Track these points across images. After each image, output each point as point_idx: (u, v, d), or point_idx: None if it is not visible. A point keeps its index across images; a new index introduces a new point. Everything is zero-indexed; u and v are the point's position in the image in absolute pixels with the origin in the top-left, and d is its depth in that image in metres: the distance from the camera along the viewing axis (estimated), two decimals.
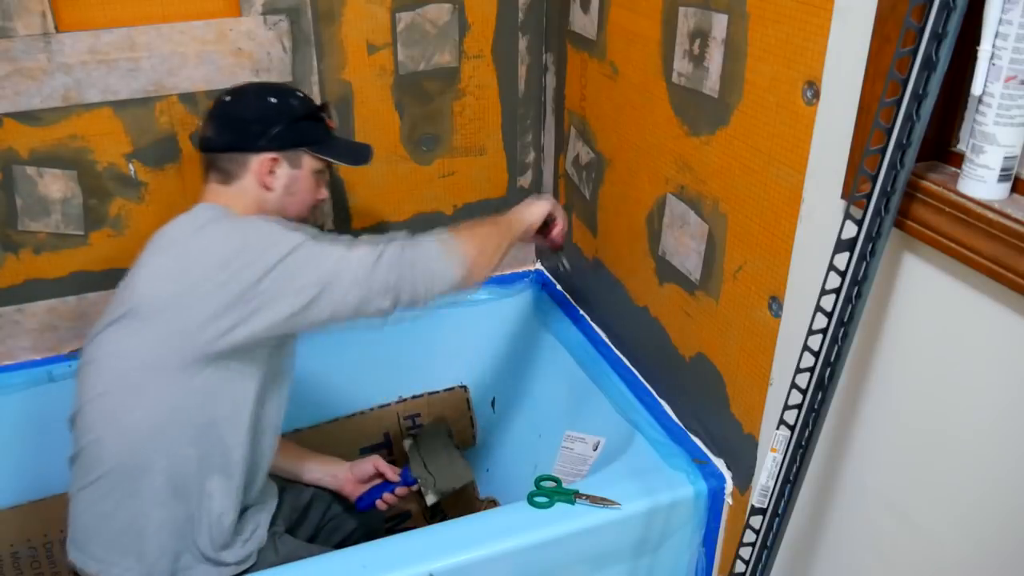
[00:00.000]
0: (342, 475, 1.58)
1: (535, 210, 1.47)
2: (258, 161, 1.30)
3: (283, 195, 1.34)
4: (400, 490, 1.56)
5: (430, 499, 1.57)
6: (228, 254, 1.19)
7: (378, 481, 1.58)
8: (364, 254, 1.22)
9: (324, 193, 1.42)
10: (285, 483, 1.55)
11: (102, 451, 1.24)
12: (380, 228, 1.84)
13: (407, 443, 1.67)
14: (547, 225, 1.51)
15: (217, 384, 1.22)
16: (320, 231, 1.29)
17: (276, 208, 1.34)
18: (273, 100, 1.34)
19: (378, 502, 1.55)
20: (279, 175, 1.32)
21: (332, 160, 1.39)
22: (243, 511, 1.35)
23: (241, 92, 1.36)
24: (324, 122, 1.39)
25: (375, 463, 1.57)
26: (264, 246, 1.20)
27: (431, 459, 1.59)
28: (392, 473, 1.57)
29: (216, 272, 1.18)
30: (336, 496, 1.61)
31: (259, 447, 1.33)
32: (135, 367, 1.21)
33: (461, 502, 1.88)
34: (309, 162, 1.35)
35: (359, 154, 1.45)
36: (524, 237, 1.47)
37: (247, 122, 1.31)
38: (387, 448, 1.93)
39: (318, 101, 1.57)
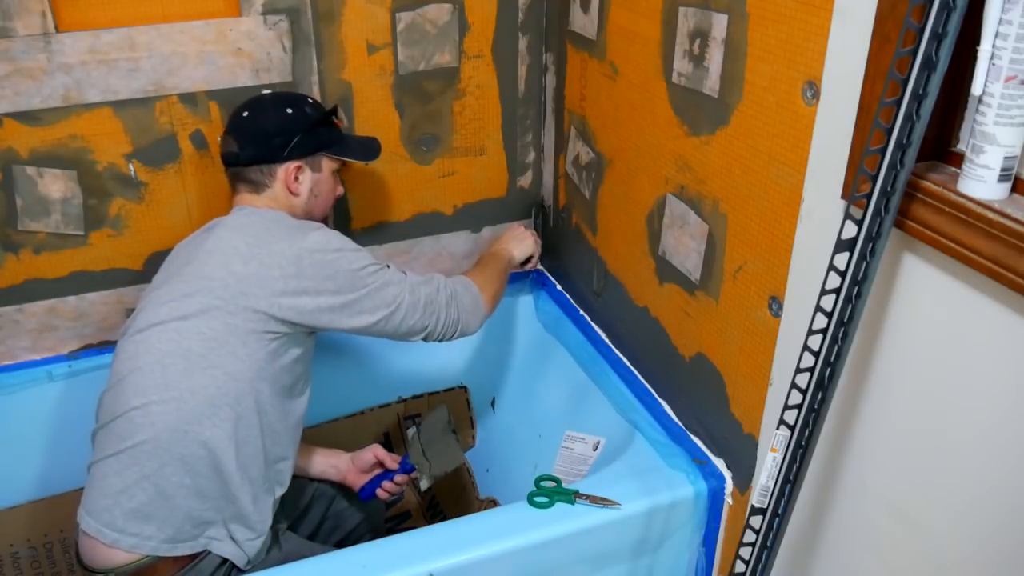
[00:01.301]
0: (344, 466, 1.61)
1: (523, 249, 1.74)
2: (284, 170, 1.41)
3: (309, 198, 1.45)
4: (399, 477, 1.58)
5: (423, 484, 1.59)
6: (304, 261, 1.30)
7: (379, 470, 1.60)
8: (429, 291, 1.40)
9: (341, 189, 1.54)
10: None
11: (154, 413, 1.25)
12: (380, 228, 1.84)
13: (410, 431, 1.68)
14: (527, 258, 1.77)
15: (272, 361, 1.30)
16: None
17: (304, 210, 1.46)
18: (290, 111, 1.43)
19: (378, 491, 1.57)
20: (304, 180, 1.44)
21: (349, 159, 1.51)
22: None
23: (258, 106, 1.45)
24: (335, 124, 1.49)
25: (375, 452, 1.60)
26: (352, 253, 1.34)
27: (429, 445, 1.61)
28: (391, 461, 1.59)
29: (292, 263, 1.29)
30: (338, 493, 1.61)
31: (294, 432, 1.39)
32: (200, 333, 1.27)
33: (461, 502, 1.88)
34: (328, 164, 1.48)
35: (370, 149, 1.55)
36: None
37: (269, 135, 1.40)
38: (387, 448, 1.93)
39: (323, 101, 1.62)
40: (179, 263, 1.37)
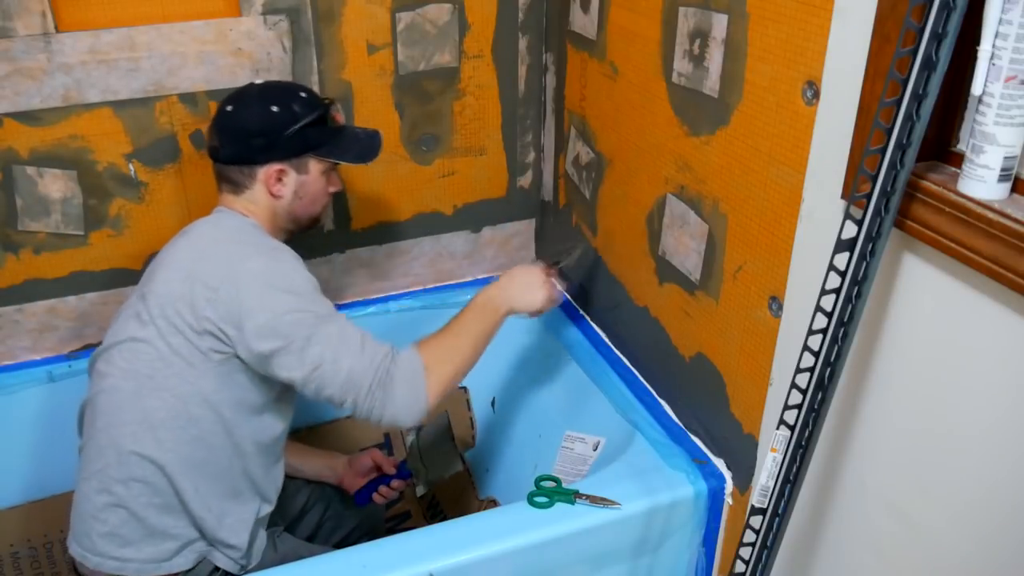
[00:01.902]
0: (341, 469, 1.60)
1: (530, 301, 1.40)
2: (264, 172, 1.32)
3: (292, 200, 1.36)
4: (396, 483, 1.57)
5: (419, 490, 1.59)
6: (252, 280, 1.22)
7: (376, 475, 1.59)
8: (356, 366, 1.22)
9: (338, 185, 1.43)
10: (284, 482, 1.55)
11: (114, 436, 1.25)
12: (380, 228, 1.84)
13: (409, 438, 1.68)
14: None
15: (226, 381, 1.25)
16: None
17: (287, 212, 1.37)
18: (275, 109, 1.32)
19: (375, 495, 1.56)
20: (287, 183, 1.34)
21: (338, 162, 1.40)
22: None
23: (243, 100, 1.35)
24: (329, 122, 1.38)
25: (373, 456, 1.59)
26: (286, 296, 1.23)
27: (427, 451, 1.60)
28: (389, 466, 1.58)
29: (224, 286, 1.22)
30: (335, 495, 1.61)
31: (273, 448, 1.35)
32: (149, 354, 1.24)
33: (461, 502, 1.88)
34: (316, 165, 1.37)
35: (367, 148, 1.44)
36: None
37: (250, 135, 1.32)
38: (387, 449, 1.93)
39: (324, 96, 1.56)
40: (149, 271, 1.33)
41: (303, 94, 1.37)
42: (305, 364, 1.22)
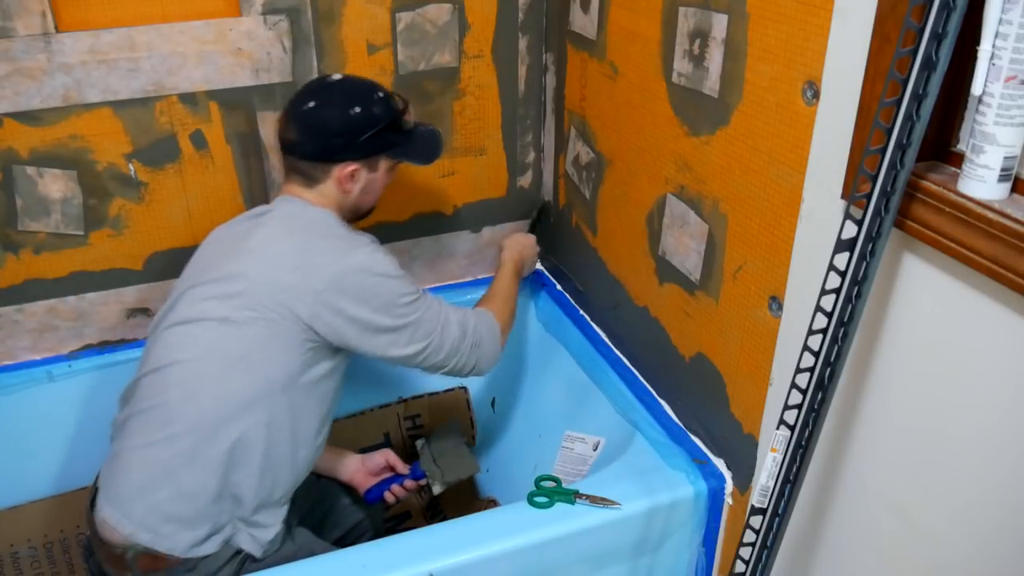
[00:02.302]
0: (353, 466, 1.61)
1: (531, 266, 1.78)
2: (340, 169, 1.38)
3: (359, 196, 1.42)
4: (409, 483, 1.58)
5: (436, 489, 1.60)
6: (356, 286, 1.29)
7: (388, 474, 1.60)
8: (457, 335, 1.39)
9: (393, 177, 1.49)
10: None
11: (190, 408, 1.26)
12: (380, 228, 1.84)
13: (419, 442, 1.69)
14: None
15: (307, 370, 1.31)
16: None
17: (352, 205, 1.43)
18: (357, 110, 1.37)
19: (387, 494, 1.57)
20: (358, 180, 1.40)
21: (408, 162, 1.49)
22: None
23: (326, 97, 1.39)
24: (403, 124, 1.43)
25: (386, 456, 1.60)
26: (394, 281, 1.33)
27: (440, 454, 1.62)
28: (402, 466, 1.59)
29: (341, 297, 1.28)
30: (340, 491, 1.61)
31: (321, 438, 1.40)
32: (242, 335, 1.27)
33: (461, 502, 1.88)
34: (385, 163, 1.44)
35: (433, 148, 1.51)
36: None
37: (331, 135, 1.36)
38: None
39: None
40: (220, 253, 1.36)
41: (380, 94, 1.41)
42: (419, 341, 1.35)
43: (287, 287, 1.27)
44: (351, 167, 1.37)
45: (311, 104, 1.38)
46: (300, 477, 1.38)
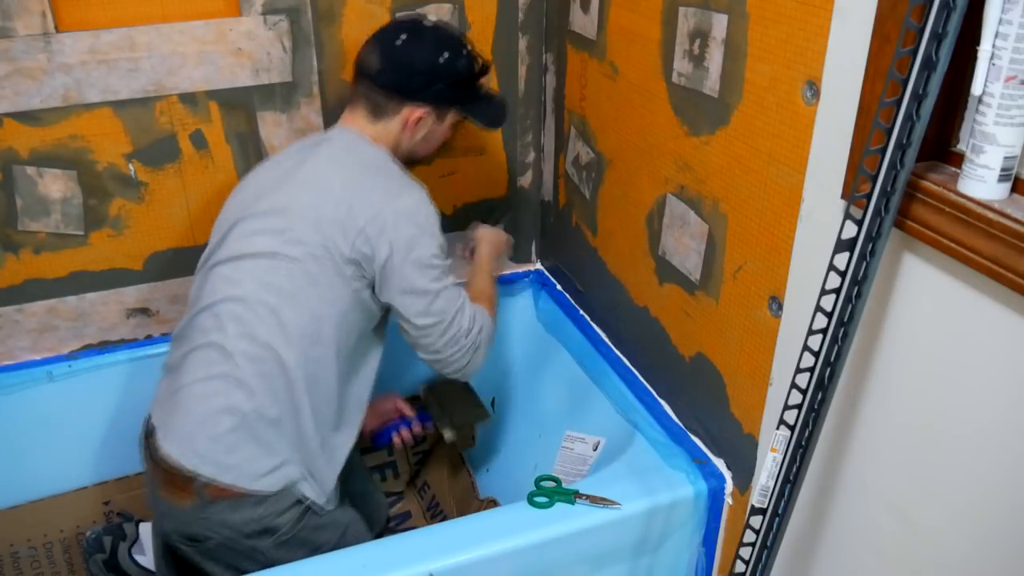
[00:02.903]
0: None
1: (502, 264, 1.74)
2: (411, 110, 1.37)
3: (420, 141, 1.42)
4: (416, 427, 1.59)
5: (447, 435, 1.60)
6: (402, 214, 1.28)
7: (396, 417, 1.61)
8: (463, 329, 1.35)
9: (451, 134, 1.50)
10: None
11: (240, 344, 1.27)
12: None
13: (422, 389, 1.68)
14: None
15: (355, 305, 1.32)
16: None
17: (409, 147, 1.43)
18: (446, 55, 1.36)
19: (395, 436, 1.58)
20: (423, 126, 1.40)
21: (475, 122, 1.49)
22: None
23: (418, 35, 1.38)
24: (479, 83, 1.44)
25: (395, 401, 1.61)
26: (431, 239, 1.31)
27: (447, 400, 1.63)
28: (410, 411, 1.61)
29: (382, 217, 1.28)
30: (347, 492, 1.61)
31: (369, 380, 1.41)
32: (289, 272, 1.27)
33: (461, 502, 1.88)
34: (452, 117, 1.44)
35: (499, 116, 1.51)
36: None
37: (415, 73, 1.36)
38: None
39: (328, 98, 1.64)
40: (270, 184, 1.35)
41: (469, 48, 1.42)
42: (430, 315, 1.32)
43: (332, 222, 1.27)
44: (421, 110, 1.37)
45: (403, 38, 1.37)
46: (355, 421, 1.38)
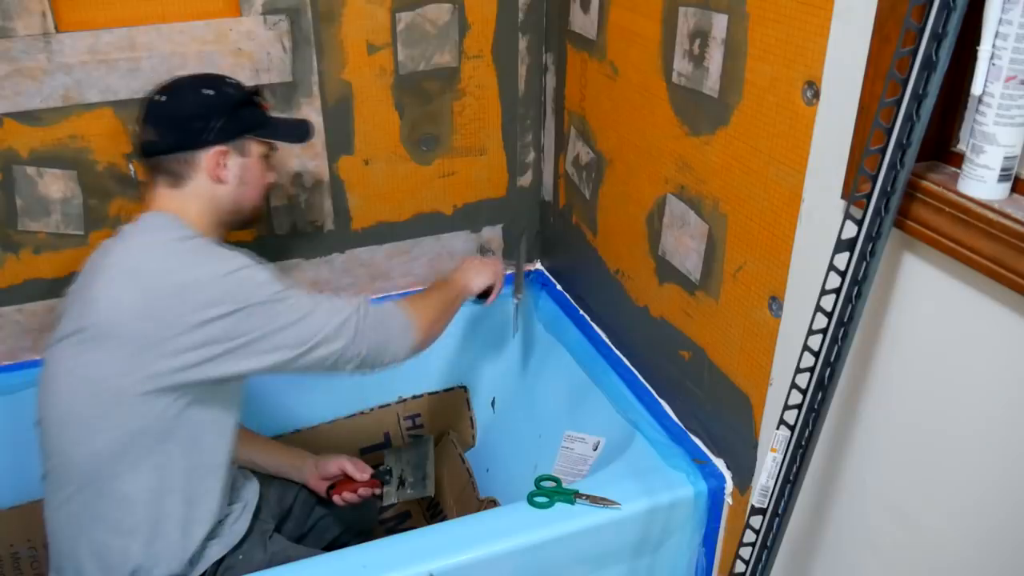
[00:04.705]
0: (308, 470, 1.57)
1: (479, 282, 1.59)
2: (207, 156, 1.29)
3: (237, 186, 1.33)
4: (363, 490, 1.54)
5: (386, 499, 1.60)
6: (205, 295, 1.18)
7: (342, 478, 1.57)
8: (343, 318, 1.26)
9: (273, 176, 1.42)
10: (271, 480, 1.55)
11: (70, 473, 1.24)
12: (380, 228, 1.84)
13: (390, 454, 1.68)
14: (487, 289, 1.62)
15: (181, 408, 1.22)
16: (263, 261, 1.28)
17: (232, 201, 1.33)
18: (209, 92, 1.31)
19: (335, 497, 1.54)
20: (230, 166, 1.31)
21: (277, 141, 1.40)
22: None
23: (175, 89, 1.33)
24: (260, 106, 1.38)
25: (340, 464, 1.55)
26: (244, 290, 1.20)
27: (406, 466, 1.63)
28: (357, 473, 1.55)
29: (192, 312, 1.17)
30: (317, 495, 1.60)
31: (225, 463, 1.32)
32: (94, 395, 1.19)
33: (461, 502, 1.88)
34: (255, 148, 1.35)
35: (300, 131, 1.44)
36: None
37: (189, 119, 1.29)
38: (387, 448, 1.94)
39: (322, 101, 1.62)
40: (78, 290, 1.27)
41: (230, 79, 1.37)
42: (313, 334, 1.24)
43: (137, 337, 1.16)
44: (218, 149, 1.29)
45: (162, 98, 1.31)
46: (204, 507, 1.30)
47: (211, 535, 1.31)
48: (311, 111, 1.66)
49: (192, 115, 1.29)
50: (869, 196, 0.88)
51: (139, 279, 1.19)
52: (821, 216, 1.06)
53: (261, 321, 1.20)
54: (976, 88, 0.81)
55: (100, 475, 1.22)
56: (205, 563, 1.30)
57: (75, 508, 1.24)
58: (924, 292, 0.94)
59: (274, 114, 1.44)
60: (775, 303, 1.19)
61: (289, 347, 1.22)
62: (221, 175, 1.30)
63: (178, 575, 1.27)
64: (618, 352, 1.70)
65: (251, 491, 1.43)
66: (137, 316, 1.17)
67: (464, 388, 1.99)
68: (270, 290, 1.22)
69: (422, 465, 1.63)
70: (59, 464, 1.25)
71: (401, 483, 1.60)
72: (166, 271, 1.20)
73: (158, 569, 1.26)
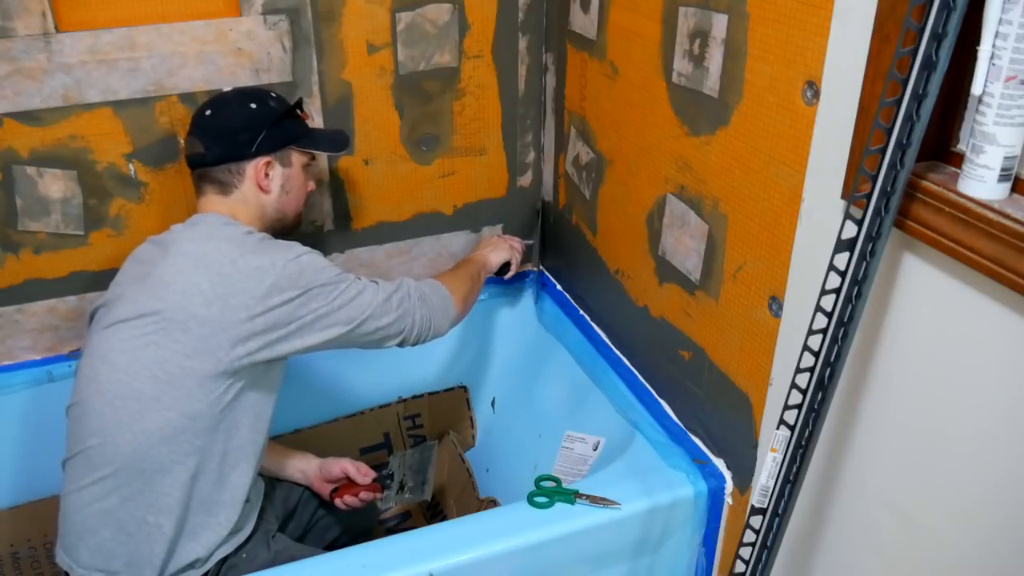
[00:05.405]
0: (312, 472, 1.59)
1: (497, 257, 1.75)
2: (253, 167, 1.38)
3: (280, 195, 1.42)
4: (364, 494, 1.55)
5: (383, 505, 1.61)
6: (272, 280, 1.25)
7: (344, 482, 1.58)
8: (388, 294, 1.36)
9: (312, 184, 1.51)
10: (275, 481, 1.56)
11: (110, 453, 1.25)
12: (380, 228, 1.84)
13: (394, 458, 1.69)
14: (505, 266, 1.77)
15: (236, 393, 1.27)
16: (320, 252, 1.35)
17: (276, 208, 1.42)
18: (254, 106, 1.39)
19: (337, 500, 1.55)
20: (274, 176, 1.40)
21: (318, 151, 1.50)
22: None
23: (221, 103, 1.42)
24: (300, 117, 1.46)
25: (342, 466, 1.57)
26: (306, 275, 1.28)
27: (408, 471, 1.63)
28: (360, 476, 1.57)
29: (262, 298, 1.24)
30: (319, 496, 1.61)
31: (258, 454, 1.35)
32: (154, 376, 1.23)
33: (461, 502, 1.88)
34: (297, 158, 1.44)
35: (339, 141, 1.53)
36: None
37: (235, 131, 1.37)
38: (387, 448, 1.94)
39: (322, 101, 1.64)
40: (134, 279, 1.32)
41: (273, 94, 1.45)
42: (362, 310, 1.33)
43: (204, 322, 1.22)
44: (264, 160, 1.37)
45: (208, 113, 1.40)
46: (235, 496, 1.33)
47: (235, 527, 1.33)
48: (311, 111, 1.66)
49: (238, 128, 1.37)
50: (869, 196, 0.88)
51: (211, 266, 1.26)
52: (821, 216, 1.06)
53: (321, 302, 1.28)
54: (976, 88, 0.81)
55: (145, 456, 1.24)
56: (210, 562, 1.31)
57: (108, 487, 1.25)
58: (924, 292, 0.94)
59: (314, 127, 1.52)
60: (775, 303, 1.19)
61: (343, 323, 1.30)
62: (265, 185, 1.39)
63: (203, 558, 1.29)
64: (618, 352, 1.70)
65: (256, 491, 1.44)
66: (209, 301, 1.23)
67: (464, 388, 1.99)
68: (329, 274, 1.30)
69: (424, 470, 1.65)
70: (99, 444, 1.25)
71: (401, 487, 1.61)
72: (237, 258, 1.26)
73: (184, 548, 1.28)
